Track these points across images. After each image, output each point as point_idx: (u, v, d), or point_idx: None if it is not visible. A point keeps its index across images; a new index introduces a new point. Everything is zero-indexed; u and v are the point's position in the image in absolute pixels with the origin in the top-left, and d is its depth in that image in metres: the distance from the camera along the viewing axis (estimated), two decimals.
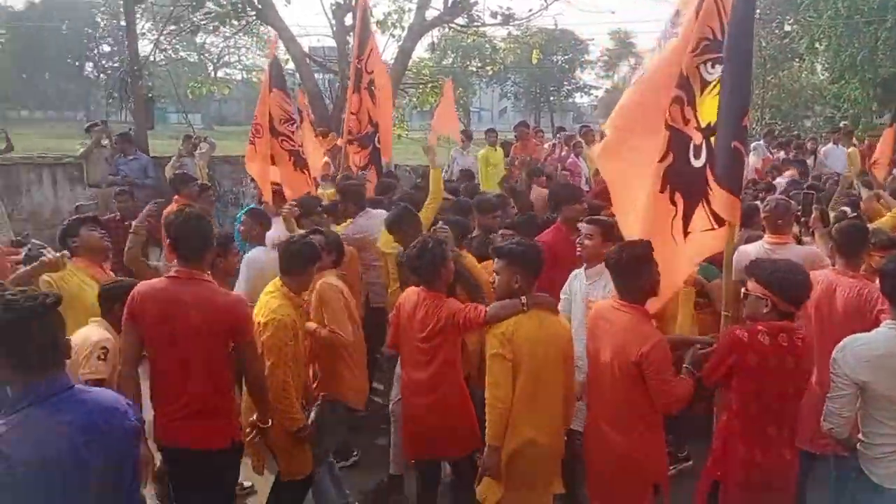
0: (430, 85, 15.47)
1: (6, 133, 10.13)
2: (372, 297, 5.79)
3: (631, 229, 3.92)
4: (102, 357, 3.50)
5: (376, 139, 7.65)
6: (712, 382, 3.40)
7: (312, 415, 4.08)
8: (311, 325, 4.25)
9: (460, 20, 14.01)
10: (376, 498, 4.75)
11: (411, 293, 4.01)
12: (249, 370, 3.48)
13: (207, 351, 3.34)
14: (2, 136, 10.00)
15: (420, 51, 15.97)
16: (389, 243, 5.27)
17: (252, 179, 7.79)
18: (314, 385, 4.38)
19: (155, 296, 3.37)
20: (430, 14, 13.06)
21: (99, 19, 43.67)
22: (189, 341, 3.32)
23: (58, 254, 3.98)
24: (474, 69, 26.27)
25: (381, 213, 6.03)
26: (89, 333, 3.61)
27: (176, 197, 7.49)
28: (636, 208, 3.89)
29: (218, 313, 3.35)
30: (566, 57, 50.20)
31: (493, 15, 14.07)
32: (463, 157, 11.55)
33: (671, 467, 4.97)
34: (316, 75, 13.83)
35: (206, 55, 38.42)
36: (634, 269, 3.46)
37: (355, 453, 5.22)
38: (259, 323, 3.79)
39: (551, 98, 52.55)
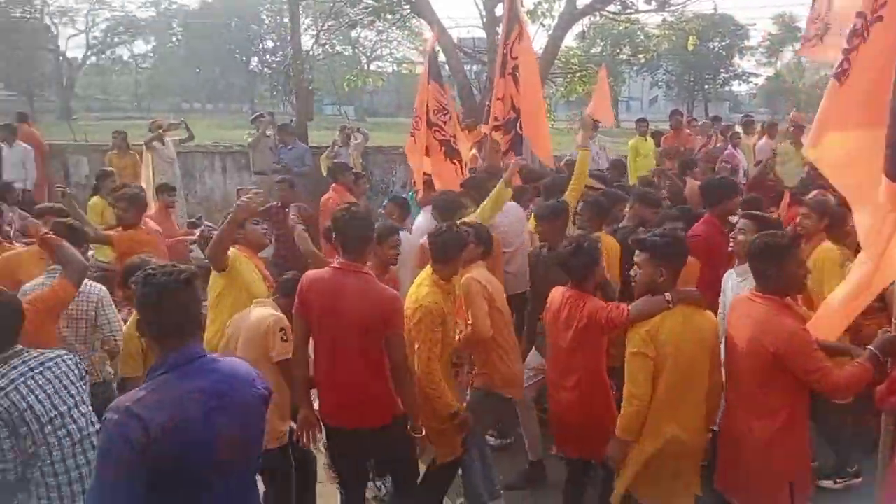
0: (578, 74, 15.22)
1: (186, 124, 11.11)
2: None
3: (867, 228, 3.62)
4: (284, 338, 3.78)
5: (518, 125, 7.64)
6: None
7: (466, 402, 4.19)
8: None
9: (612, 7, 13.67)
10: (519, 483, 4.81)
11: (557, 293, 3.99)
12: (394, 359, 3.61)
13: (364, 338, 3.54)
14: (182, 126, 10.97)
15: (568, 40, 15.68)
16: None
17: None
18: (470, 373, 4.47)
19: (321, 285, 3.64)
20: (581, 2, 12.84)
21: (264, 16, 46.40)
22: (348, 328, 3.53)
23: (251, 195, 4.23)
24: (625, 57, 25.59)
25: (511, 205, 6.05)
26: (263, 313, 3.88)
27: (333, 185, 7.88)
28: (870, 206, 3.59)
29: (373, 305, 3.54)
30: (724, 43, 47.61)
31: (648, 1, 13.64)
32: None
33: (838, 481, 4.70)
34: (465, 66, 14.00)
35: (360, 49, 39.83)
36: (772, 259, 3.30)
37: (511, 438, 5.30)
38: (409, 310, 3.93)
39: (706, 86, 50.12)
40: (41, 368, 3.04)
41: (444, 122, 7.10)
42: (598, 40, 31.54)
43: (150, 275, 2.37)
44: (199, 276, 2.54)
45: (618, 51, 26.40)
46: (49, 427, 2.96)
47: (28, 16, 43.22)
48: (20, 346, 3.07)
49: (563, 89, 15.60)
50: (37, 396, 2.95)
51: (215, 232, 8.24)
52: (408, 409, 3.70)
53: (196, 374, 2.36)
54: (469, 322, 4.33)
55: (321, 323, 3.63)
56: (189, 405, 2.29)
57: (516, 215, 5.91)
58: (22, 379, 2.96)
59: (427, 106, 7.05)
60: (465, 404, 4.21)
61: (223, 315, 4.19)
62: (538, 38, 13.68)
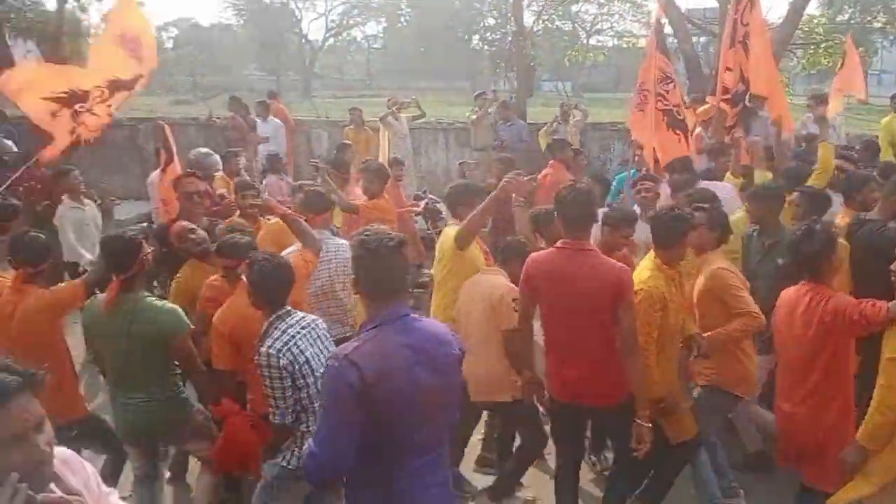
0: (822, 45, 13.88)
1: (418, 103, 11.76)
2: None
3: None
4: (517, 308, 3.98)
5: (746, 98, 7.16)
6: None
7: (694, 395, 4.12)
8: (710, 334, 4.06)
9: None
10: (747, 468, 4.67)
11: (790, 293, 3.66)
12: (624, 332, 3.58)
13: (596, 314, 3.56)
14: (415, 104, 11.62)
15: (812, 7, 14.30)
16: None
17: (639, 147, 7.76)
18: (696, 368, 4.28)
19: (547, 267, 3.71)
20: None
21: None
22: (579, 306, 3.58)
23: (513, 174, 4.42)
24: (878, 25, 22.89)
25: (720, 185, 5.70)
26: (496, 282, 4.15)
27: (552, 161, 7.90)
28: None
29: (603, 280, 3.54)
30: None
31: None
32: (814, 124, 10.11)
33: None
34: (693, 38, 13.33)
35: (580, 23, 39.18)
36: None
37: None
38: None
39: None
40: (308, 328, 3.44)
41: (667, 92, 6.87)
42: (845, 7, 28.38)
43: (364, 238, 2.59)
44: (409, 244, 2.79)
45: (869, 18, 23.59)
46: (320, 382, 3.29)
47: (276, 1, 47.73)
48: (289, 307, 3.47)
49: (804, 61, 14.33)
50: (312, 352, 3.35)
51: (438, 204, 8.74)
52: (634, 386, 3.64)
53: (402, 330, 2.57)
54: (738, 312, 3.97)
55: (551, 304, 3.72)
56: (396, 358, 2.51)
57: (727, 193, 5.53)
58: (299, 336, 3.35)
59: (654, 77, 6.85)
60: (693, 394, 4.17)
61: (451, 282, 4.46)
62: (778, 6, 12.62)
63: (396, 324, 2.58)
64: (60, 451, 1.69)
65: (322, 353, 3.40)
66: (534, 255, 3.89)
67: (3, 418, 1.53)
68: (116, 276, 3.65)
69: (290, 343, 3.30)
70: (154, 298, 3.82)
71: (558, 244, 3.74)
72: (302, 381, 3.30)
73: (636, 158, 7.74)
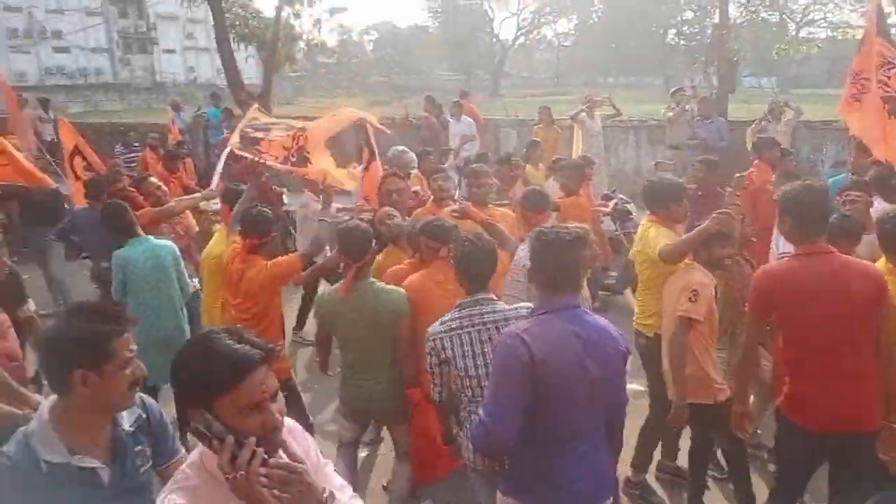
0: None
1: (612, 100, 11.53)
2: None
3: None
4: (693, 299, 3.81)
5: None
6: None
7: None
8: None
9: None
10: None
11: None
12: (885, 336, 3.22)
13: (865, 323, 3.20)
14: (607, 102, 11.40)
15: None
16: None
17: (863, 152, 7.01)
18: None
19: (791, 279, 3.31)
20: None
21: None
22: (843, 317, 3.18)
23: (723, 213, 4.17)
24: None
25: None
26: (692, 275, 3.96)
27: (756, 161, 7.40)
28: None
29: (862, 281, 3.20)
30: None
31: None
32: None
33: None
34: None
35: (789, 14, 36.34)
36: None
37: None
38: None
39: None
40: (479, 329, 3.22)
41: (889, 78, 6.16)
42: None
43: (542, 232, 2.78)
44: (594, 243, 2.94)
45: None
46: (467, 381, 3.21)
47: (471, 2, 48.83)
48: (490, 295, 3.31)
49: None
50: (457, 352, 3.21)
51: (628, 205, 8.48)
52: (890, 397, 3.23)
53: (571, 319, 2.69)
54: None
55: (805, 321, 3.28)
56: (565, 343, 2.63)
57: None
58: (458, 332, 3.22)
59: (874, 63, 6.18)
60: None
61: (657, 280, 4.28)
62: None
63: (566, 313, 2.69)
64: (286, 421, 1.84)
65: (475, 357, 3.20)
66: (766, 268, 3.55)
67: (247, 387, 1.68)
68: (351, 265, 3.92)
69: (446, 336, 3.23)
70: (382, 284, 4.01)
71: (797, 251, 3.36)
72: (447, 367, 3.27)
73: (852, 160, 7.04)
